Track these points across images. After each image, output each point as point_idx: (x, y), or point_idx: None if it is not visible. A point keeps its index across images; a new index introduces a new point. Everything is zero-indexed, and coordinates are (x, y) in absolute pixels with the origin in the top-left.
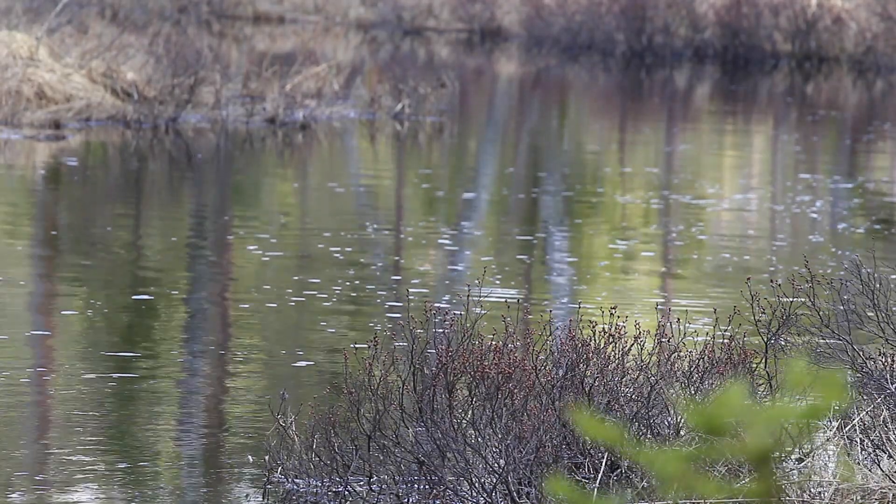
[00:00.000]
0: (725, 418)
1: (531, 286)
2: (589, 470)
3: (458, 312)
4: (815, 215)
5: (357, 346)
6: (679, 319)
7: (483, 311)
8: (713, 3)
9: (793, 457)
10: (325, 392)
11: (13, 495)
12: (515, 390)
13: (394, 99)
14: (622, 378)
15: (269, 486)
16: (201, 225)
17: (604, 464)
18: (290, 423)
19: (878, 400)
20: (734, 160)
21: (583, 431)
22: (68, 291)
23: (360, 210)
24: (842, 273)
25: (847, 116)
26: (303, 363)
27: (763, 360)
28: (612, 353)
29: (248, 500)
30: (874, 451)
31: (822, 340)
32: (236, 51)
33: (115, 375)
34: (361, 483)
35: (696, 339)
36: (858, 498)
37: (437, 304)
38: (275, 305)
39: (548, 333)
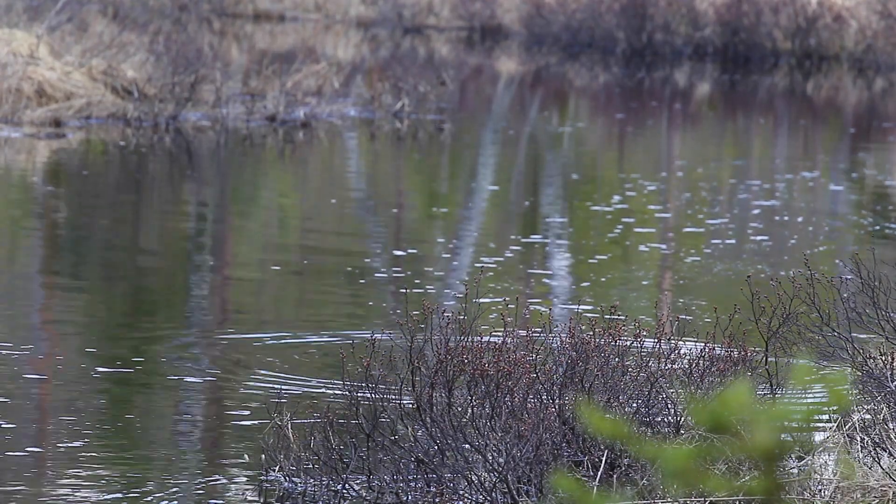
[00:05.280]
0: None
1: (531, 284)
2: (589, 468)
3: (458, 310)
4: (814, 214)
5: (355, 343)
6: (679, 318)
7: (482, 300)
8: (713, 1)
9: (793, 455)
10: (323, 391)
11: (11, 495)
12: (515, 388)
13: (394, 97)
14: (623, 375)
15: (266, 485)
16: (201, 222)
17: (604, 462)
18: (287, 422)
19: (878, 398)
20: (734, 160)
21: (589, 425)
22: (67, 290)
23: (360, 208)
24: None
25: (847, 115)
26: (301, 361)
27: (763, 359)
28: (612, 350)
29: (245, 499)
30: (874, 448)
31: (822, 339)
32: (237, 49)
33: (112, 373)
34: (360, 482)
35: (696, 338)
36: (858, 496)
37: (436, 299)
38: (273, 303)
39: (548, 331)
